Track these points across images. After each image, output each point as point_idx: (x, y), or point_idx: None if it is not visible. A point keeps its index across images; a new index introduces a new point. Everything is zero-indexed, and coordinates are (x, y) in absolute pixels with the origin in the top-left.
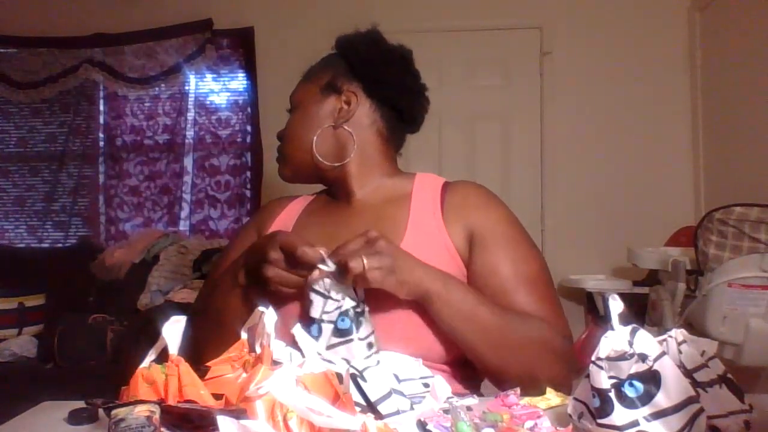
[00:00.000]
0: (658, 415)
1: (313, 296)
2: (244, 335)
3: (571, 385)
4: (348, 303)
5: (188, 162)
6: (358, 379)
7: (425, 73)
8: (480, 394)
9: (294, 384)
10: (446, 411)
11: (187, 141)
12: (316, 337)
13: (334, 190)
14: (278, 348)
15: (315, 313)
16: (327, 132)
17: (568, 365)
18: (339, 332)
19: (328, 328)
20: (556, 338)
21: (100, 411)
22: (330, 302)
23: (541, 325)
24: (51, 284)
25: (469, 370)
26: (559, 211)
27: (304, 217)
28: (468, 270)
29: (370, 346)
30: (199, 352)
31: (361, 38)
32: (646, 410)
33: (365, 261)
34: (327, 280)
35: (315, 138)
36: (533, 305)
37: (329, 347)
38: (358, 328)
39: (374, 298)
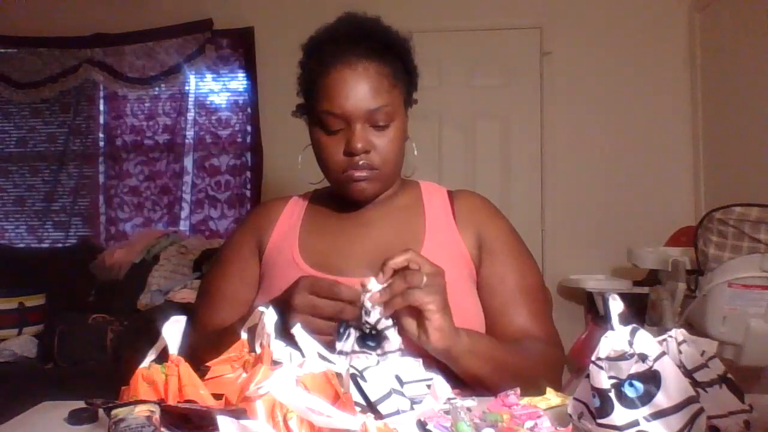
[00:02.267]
0: (658, 415)
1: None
2: (244, 335)
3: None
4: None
5: (188, 162)
6: (358, 379)
7: (425, 73)
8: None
9: (294, 384)
10: (446, 411)
11: (187, 141)
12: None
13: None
14: (278, 348)
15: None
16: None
17: (561, 374)
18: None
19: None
20: (554, 353)
21: (100, 411)
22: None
23: (540, 346)
24: (51, 284)
25: None
26: (559, 211)
27: (311, 220)
28: (478, 275)
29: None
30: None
31: (407, 44)
32: (646, 410)
33: (425, 278)
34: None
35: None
36: (532, 319)
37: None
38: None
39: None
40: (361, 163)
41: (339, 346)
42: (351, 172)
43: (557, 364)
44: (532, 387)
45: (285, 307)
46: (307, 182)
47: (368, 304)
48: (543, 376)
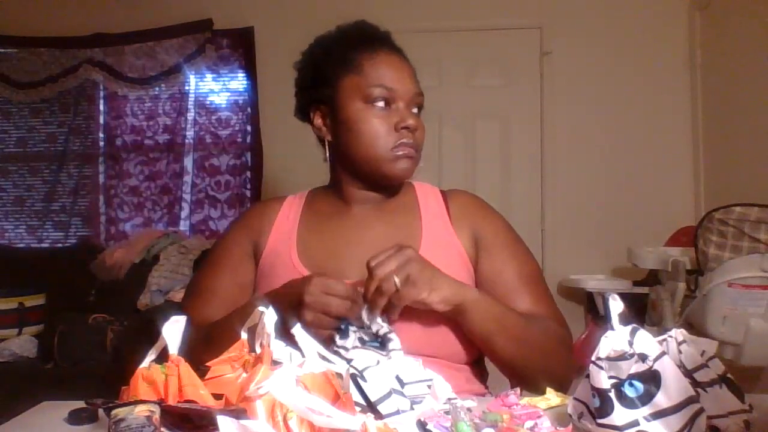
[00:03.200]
0: (658, 415)
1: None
2: (244, 335)
3: (571, 380)
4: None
5: (188, 162)
6: (358, 379)
7: (425, 73)
8: (490, 393)
9: (294, 384)
10: (446, 411)
11: (187, 141)
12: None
13: (381, 190)
14: (278, 348)
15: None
16: None
17: (572, 353)
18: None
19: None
20: (563, 331)
21: (100, 411)
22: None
23: (549, 322)
24: (51, 284)
25: (482, 368)
26: (559, 211)
27: (308, 221)
28: (476, 272)
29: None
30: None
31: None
32: (646, 410)
33: (397, 280)
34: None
35: None
36: (536, 303)
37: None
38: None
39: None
40: (408, 141)
41: (341, 342)
42: (400, 147)
43: (567, 341)
44: (548, 361)
45: (296, 302)
46: (306, 182)
47: (366, 320)
48: (555, 351)
